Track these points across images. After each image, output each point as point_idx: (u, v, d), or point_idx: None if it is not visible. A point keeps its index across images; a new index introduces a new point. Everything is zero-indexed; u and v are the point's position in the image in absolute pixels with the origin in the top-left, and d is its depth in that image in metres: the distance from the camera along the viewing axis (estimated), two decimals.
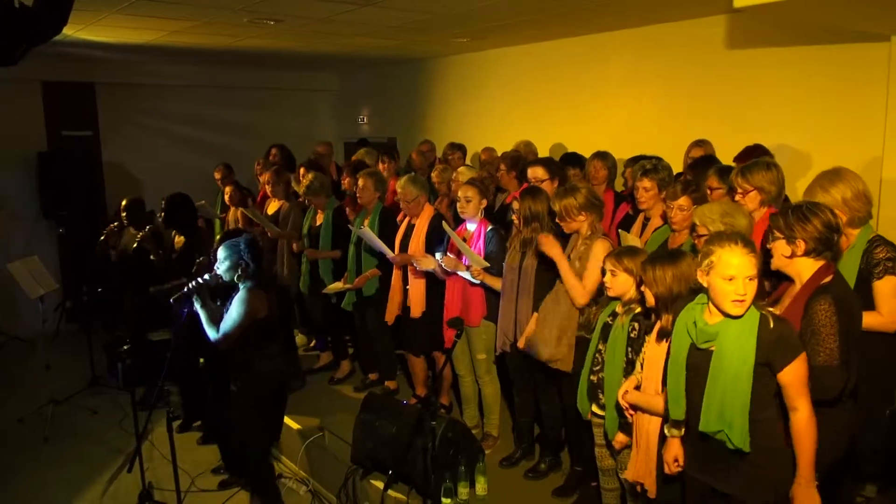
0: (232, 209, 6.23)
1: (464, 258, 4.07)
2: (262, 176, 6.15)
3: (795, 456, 2.26)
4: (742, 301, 2.22)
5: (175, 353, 3.60)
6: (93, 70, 8.02)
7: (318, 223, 5.36)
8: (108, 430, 5.21)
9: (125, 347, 5.76)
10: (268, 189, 5.87)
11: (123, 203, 5.66)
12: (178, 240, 4.87)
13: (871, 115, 4.37)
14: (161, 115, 8.93)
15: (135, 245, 5.26)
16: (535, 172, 4.28)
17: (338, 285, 5.13)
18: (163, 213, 4.94)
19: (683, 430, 2.52)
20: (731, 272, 2.21)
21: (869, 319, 2.68)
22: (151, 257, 5.03)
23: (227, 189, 6.19)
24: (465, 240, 4.14)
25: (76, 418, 5.42)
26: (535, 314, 3.66)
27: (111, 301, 6.09)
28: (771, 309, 2.30)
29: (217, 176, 6.78)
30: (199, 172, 7.77)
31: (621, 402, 2.79)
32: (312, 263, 5.42)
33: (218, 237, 4.09)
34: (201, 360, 4.62)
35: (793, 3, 3.33)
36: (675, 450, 2.56)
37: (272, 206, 5.84)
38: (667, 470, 2.59)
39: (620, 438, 2.92)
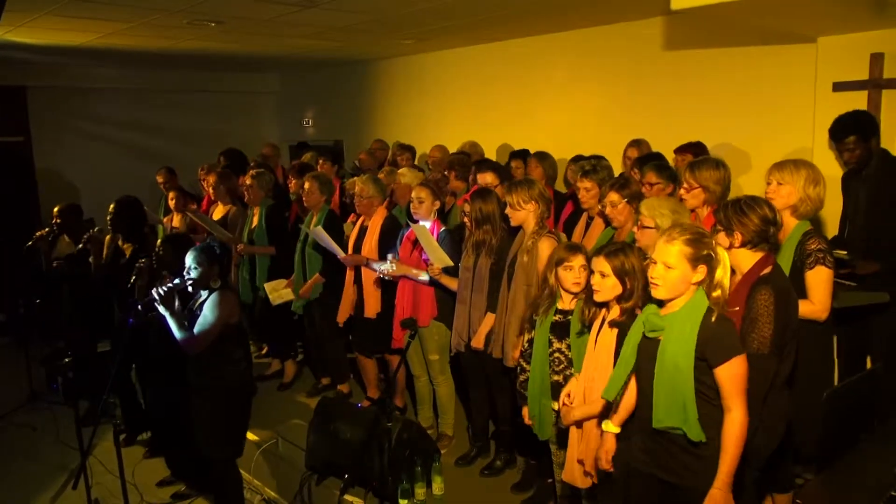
0: (175, 215, 6.07)
1: (423, 255, 4.07)
2: (207, 180, 6.03)
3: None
4: (654, 284, 2.32)
5: (120, 363, 3.51)
6: (24, 73, 7.71)
7: (254, 225, 5.30)
8: (48, 446, 5.01)
9: (66, 360, 5.55)
10: (212, 194, 5.75)
11: (56, 209, 5.43)
12: (126, 245, 4.72)
13: (801, 112, 4.58)
14: (98, 119, 8.66)
15: (80, 246, 5.07)
16: (485, 178, 4.34)
17: (286, 292, 5.09)
18: (110, 217, 4.78)
19: (618, 425, 2.58)
20: (653, 255, 2.35)
21: (801, 308, 2.80)
22: (90, 259, 4.84)
23: (172, 194, 6.04)
24: (415, 241, 4.15)
25: (14, 436, 5.18)
26: (490, 314, 3.70)
27: (49, 312, 5.85)
28: (721, 308, 2.32)
29: (160, 180, 6.61)
30: (139, 178, 7.56)
31: (563, 414, 2.83)
32: (251, 269, 5.34)
33: (160, 241, 3.99)
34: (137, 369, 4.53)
35: (727, 5, 3.45)
36: (609, 445, 2.61)
37: (218, 212, 5.73)
38: (600, 465, 2.64)
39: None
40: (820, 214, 4.17)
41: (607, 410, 2.69)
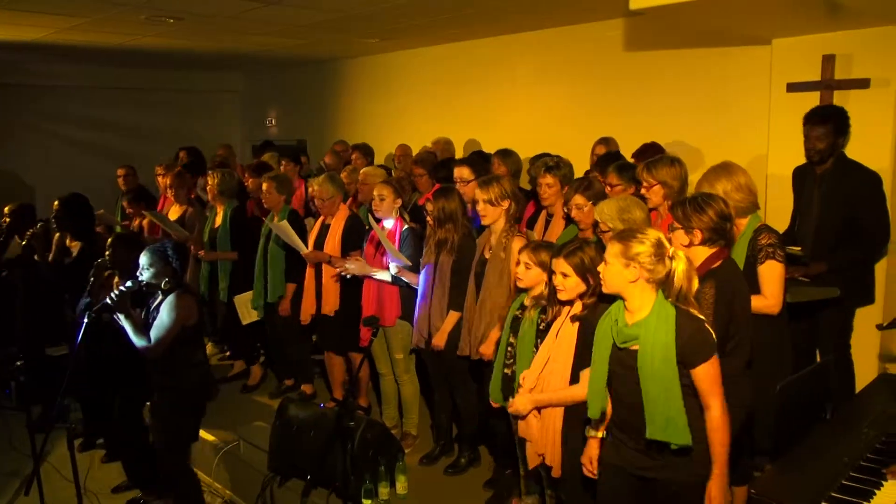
0: (136, 219, 5.94)
1: (387, 255, 4.06)
2: (164, 180, 5.92)
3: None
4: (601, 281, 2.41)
5: (75, 367, 3.42)
6: None
7: (216, 225, 5.21)
8: (1, 453, 4.86)
9: (18, 364, 5.38)
10: (170, 194, 5.65)
11: (7, 209, 5.30)
12: (73, 244, 4.61)
13: (756, 112, 4.67)
14: (55, 118, 8.46)
15: (23, 243, 4.93)
16: (461, 173, 4.28)
17: (256, 312, 5.05)
18: (55, 216, 4.66)
19: (602, 430, 2.57)
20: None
21: (755, 303, 2.86)
22: (35, 257, 4.71)
23: (124, 202, 5.94)
24: (378, 243, 4.14)
25: None
26: (452, 312, 3.70)
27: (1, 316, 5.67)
28: (688, 308, 2.33)
29: (120, 174, 6.49)
30: (97, 178, 7.40)
31: (521, 406, 2.84)
32: (212, 268, 5.27)
33: (110, 241, 3.91)
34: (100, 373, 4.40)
35: (683, 5, 3.51)
36: (593, 451, 2.62)
37: (174, 212, 5.62)
38: (585, 472, 2.64)
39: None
40: (767, 210, 4.28)
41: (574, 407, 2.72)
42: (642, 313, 2.33)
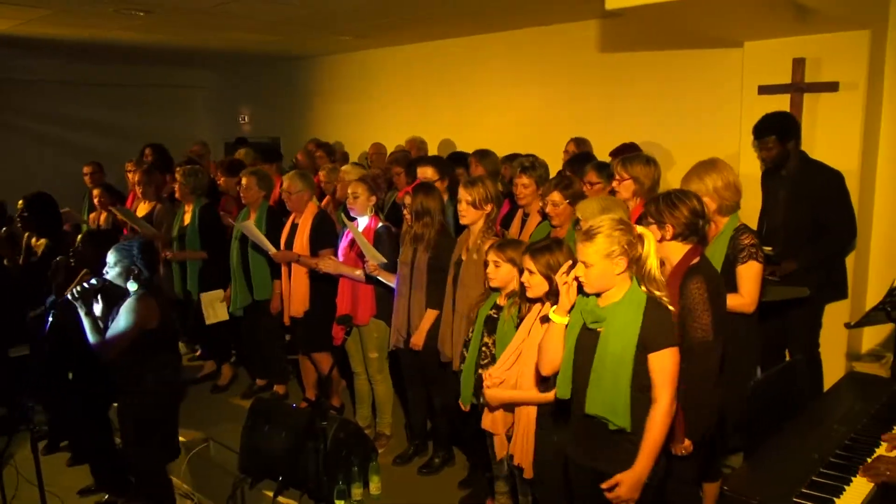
0: (102, 212, 5.81)
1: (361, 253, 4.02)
2: (133, 176, 5.81)
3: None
4: (582, 283, 2.34)
5: (37, 367, 3.33)
6: None
7: (186, 223, 5.11)
8: None
9: None
10: (138, 190, 5.53)
11: None
12: (39, 243, 4.50)
13: (728, 114, 4.73)
14: (19, 113, 8.27)
15: None
16: (425, 172, 4.29)
17: (221, 310, 4.95)
18: (20, 215, 4.55)
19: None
20: (576, 254, 2.37)
21: (731, 301, 2.89)
22: (5, 262, 4.59)
23: (97, 191, 5.80)
24: (352, 241, 4.10)
25: None
26: (430, 310, 3.67)
27: None
28: (661, 296, 2.32)
29: (86, 171, 6.35)
30: (63, 175, 7.25)
31: (490, 397, 2.83)
32: (182, 267, 5.17)
33: (80, 237, 3.81)
34: (69, 374, 4.31)
35: (659, 6, 3.53)
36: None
37: (143, 209, 5.51)
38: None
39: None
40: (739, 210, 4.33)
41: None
42: (615, 298, 2.34)
